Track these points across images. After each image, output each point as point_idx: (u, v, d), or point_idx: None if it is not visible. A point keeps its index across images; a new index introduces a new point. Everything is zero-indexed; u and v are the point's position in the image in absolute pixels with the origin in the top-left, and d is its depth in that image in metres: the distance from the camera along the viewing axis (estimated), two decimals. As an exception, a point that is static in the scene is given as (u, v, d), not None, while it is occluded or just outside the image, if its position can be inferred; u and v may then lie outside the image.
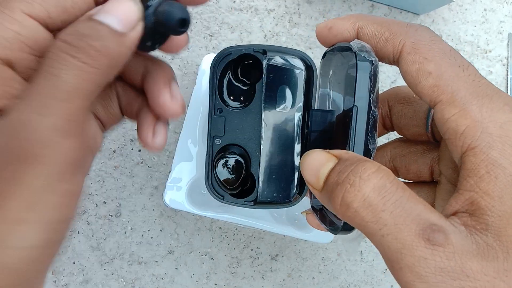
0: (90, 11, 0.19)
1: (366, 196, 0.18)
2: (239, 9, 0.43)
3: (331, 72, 0.28)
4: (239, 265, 0.43)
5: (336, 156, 0.21)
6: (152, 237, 0.41)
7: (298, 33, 0.44)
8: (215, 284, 0.42)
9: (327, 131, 0.27)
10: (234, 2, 0.43)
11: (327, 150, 0.21)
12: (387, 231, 0.18)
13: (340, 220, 0.23)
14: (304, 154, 0.22)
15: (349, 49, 0.23)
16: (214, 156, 0.28)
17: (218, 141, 0.28)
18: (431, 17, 0.46)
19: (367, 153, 0.22)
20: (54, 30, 0.20)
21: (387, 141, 0.29)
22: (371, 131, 0.22)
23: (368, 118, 0.22)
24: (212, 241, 0.42)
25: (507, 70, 0.48)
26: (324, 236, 0.38)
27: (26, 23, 0.19)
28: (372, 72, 0.22)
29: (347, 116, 0.24)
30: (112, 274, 0.41)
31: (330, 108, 0.27)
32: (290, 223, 0.39)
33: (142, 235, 0.41)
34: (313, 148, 0.22)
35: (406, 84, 0.23)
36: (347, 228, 0.22)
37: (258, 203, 0.27)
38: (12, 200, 0.17)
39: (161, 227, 0.41)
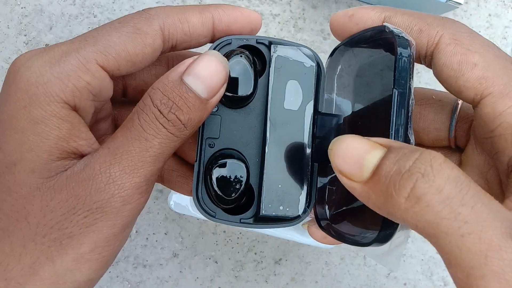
0: (180, 66, 0.20)
1: (442, 188, 0.16)
2: (244, 14, 0.43)
3: (337, 73, 0.25)
4: (242, 269, 0.43)
5: (382, 144, 0.18)
6: (156, 240, 0.42)
7: (303, 38, 0.44)
8: (219, 287, 0.43)
9: (334, 136, 0.24)
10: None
11: (366, 137, 0.19)
12: (468, 230, 0.15)
13: (372, 230, 0.20)
14: (335, 139, 0.19)
15: (373, 33, 0.21)
16: (206, 162, 0.23)
17: (212, 145, 0.23)
18: (436, 22, 0.47)
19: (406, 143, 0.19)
20: (116, 77, 0.21)
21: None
22: (410, 121, 0.20)
23: (408, 105, 0.20)
24: (216, 244, 0.42)
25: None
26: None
27: (97, 75, 0.20)
28: (411, 54, 0.20)
29: (367, 117, 0.22)
30: (117, 277, 0.41)
31: (335, 112, 0.25)
32: (294, 228, 0.39)
33: (147, 238, 0.42)
34: (321, 157, 0.20)
35: (422, 87, 0.22)
36: (382, 238, 0.19)
37: (260, 219, 0.23)
38: (83, 244, 0.19)
39: (165, 231, 0.42)
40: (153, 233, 0.42)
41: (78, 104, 0.20)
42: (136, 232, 0.41)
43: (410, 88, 0.20)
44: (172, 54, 0.24)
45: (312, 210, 0.24)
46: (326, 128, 0.24)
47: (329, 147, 0.19)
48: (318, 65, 0.24)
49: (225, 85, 0.20)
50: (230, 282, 0.43)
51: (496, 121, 0.19)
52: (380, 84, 0.22)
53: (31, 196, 0.19)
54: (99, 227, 0.19)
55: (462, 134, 0.23)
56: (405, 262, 0.45)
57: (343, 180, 0.18)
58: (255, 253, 0.43)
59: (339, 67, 0.25)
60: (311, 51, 0.23)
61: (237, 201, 0.23)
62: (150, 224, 0.42)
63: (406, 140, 0.19)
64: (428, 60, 0.21)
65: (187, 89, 0.19)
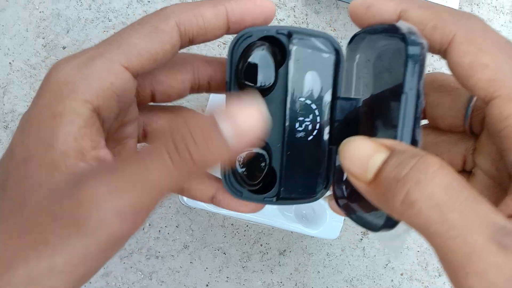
0: (215, 113, 0.18)
1: (432, 195, 0.17)
2: (251, 19, 0.45)
3: (357, 58, 0.25)
4: (249, 260, 0.45)
5: (387, 146, 0.19)
6: (168, 233, 0.44)
7: (306, 41, 0.46)
8: (227, 277, 0.45)
9: (353, 120, 0.25)
10: (246, 12, 0.45)
11: (372, 138, 0.19)
12: (455, 234, 0.16)
13: (380, 219, 0.21)
14: (345, 141, 0.20)
15: (384, 31, 0.22)
16: None
17: None
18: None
19: (414, 144, 0.20)
20: (140, 76, 0.21)
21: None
22: (418, 121, 0.20)
23: (416, 107, 0.20)
24: (225, 237, 0.45)
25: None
26: (329, 232, 0.41)
27: (120, 75, 0.20)
28: (422, 57, 0.20)
29: (383, 103, 0.23)
30: (131, 268, 0.44)
31: (354, 96, 0.26)
32: (298, 220, 0.41)
33: (159, 231, 0.44)
34: (340, 139, 0.21)
35: (442, 72, 0.22)
36: (389, 225, 0.20)
37: (281, 198, 0.25)
38: (56, 254, 0.18)
39: (177, 224, 0.44)
40: (165, 226, 0.44)
41: (102, 104, 0.20)
42: (149, 225, 0.44)
43: (419, 91, 0.20)
44: (198, 61, 0.25)
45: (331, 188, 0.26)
46: (344, 112, 0.25)
47: (339, 148, 0.20)
48: (338, 52, 0.24)
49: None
50: (237, 272, 0.45)
51: (502, 124, 0.19)
52: (397, 70, 0.22)
53: (33, 191, 0.18)
54: (72, 243, 0.17)
55: (477, 123, 0.23)
56: (402, 253, 0.47)
57: (351, 179, 0.20)
58: (261, 245, 0.45)
59: (358, 54, 0.25)
60: (330, 40, 0.24)
61: (260, 183, 0.25)
62: (162, 218, 0.44)
63: (413, 141, 0.20)
64: (442, 55, 0.21)
65: (216, 131, 0.18)
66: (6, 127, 0.43)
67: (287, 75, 0.24)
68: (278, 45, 0.24)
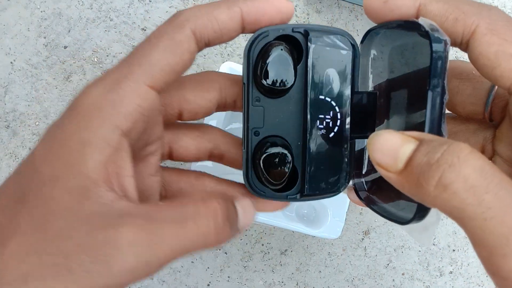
0: (237, 198, 0.22)
1: (467, 177, 0.17)
2: (252, 18, 0.45)
3: (372, 52, 0.26)
4: (250, 259, 0.45)
5: (415, 137, 0.19)
6: (169, 232, 0.44)
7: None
8: (228, 277, 0.45)
9: (372, 113, 0.25)
10: (248, 11, 0.45)
11: (400, 131, 0.20)
12: (491, 214, 0.17)
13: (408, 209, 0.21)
14: (373, 135, 0.20)
15: (404, 27, 0.21)
16: (253, 150, 0.25)
17: (257, 133, 0.25)
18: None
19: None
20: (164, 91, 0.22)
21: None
22: (443, 117, 0.20)
23: (442, 103, 0.20)
24: (226, 236, 0.45)
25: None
26: (331, 232, 0.41)
27: (147, 96, 0.20)
28: (446, 53, 0.20)
29: (402, 96, 0.23)
30: (132, 267, 0.44)
31: (371, 89, 0.26)
32: (300, 220, 0.41)
33: (161, 231, 0.44)
34: (360, 133, 0.21)
35: (463, 60, 0.22)
36: (418, 217, 0.21)
37: (305, 195, 0.25)
38: (76, 284, 0.18)
39: (178, 223, 0.44)
40: (166, 226, 0.44)
41: (130, 127, 0.20)
42: (150, 224, 0.44)
43: (444, 87, 0.20)
44: (225, 80, 0.25)
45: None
46: (363, 106, 0.25)
47: (367, 141, 0.20)
48: (354, 47, 0.24)
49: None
50: (239, 271, 0.45)
51: None
52: (416, 64, 0.22)
53: (60, 214, 0.18)
54: (95, 279, 0.18)
55: (498, 111, 0.24)
56: (403, 253, 0.47)
57: (380, 171, 0.20)
58: (262, 245, 0.45)
59: (372, 48, 0.26)
60: (347, 36, 0.24)
61: (283, 182, 0.25)
62: (163, 217, 0.44)
63: (439, 135, 0.20)
64: (463, 47, 0.21)
65: (235, 215, 0.21)
66: (8, 126, 0.43)
67: (305, 74, 0.24)
68: (294, 43, 0.24)
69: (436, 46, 0.20)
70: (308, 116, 0.24)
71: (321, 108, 0.24)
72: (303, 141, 0.25)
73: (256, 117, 0.25)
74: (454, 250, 0.47)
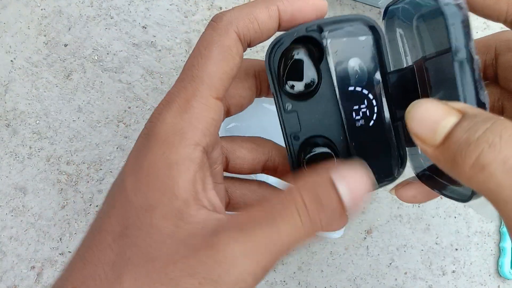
0: (329, 171, 0.20)
1: (507, 159, 0.16)
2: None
3: (397, 28, 0.25)
4: (252, 258, 0.45)
5: (458, 109, 0.18)
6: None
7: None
8: (230, 276, 0.45)
9: (410, 89, 0.24)
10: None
11: (443, 101, 0.19)
12: None
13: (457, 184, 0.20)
14: (413, 103, 0.19)
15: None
16: (297, 154, 0.25)
17: (296, 138, 0.25)
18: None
19: (481, 107, 0.19)
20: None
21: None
22: (479, 83, 0.19)
23: (472, 70, 0.19)
24: (227, 235, 0.45)
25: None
26: (333, 231, 0.41)
27: (216, 108, 0.21)
28: (463, 18, 0.19)
29: (436, 66, 0.22)
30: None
31: (406, 65, 0.25)
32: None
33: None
34: (402, 113, 0.20)
35: None
36: (475, 194, 0.20)
37: None
38: None
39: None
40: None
41: (208, 141, 0.21)
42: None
43: (470, 52, 0.19)
44: (257, 65, 0.25)
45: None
46: (399, 85, 0.24)
47: (407, 110, 0.19)
48: (374, 29, 0.24)
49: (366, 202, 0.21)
50: (240, 271, 0.45)
51: None
52: (441, 34, 0.22)
53: (163, 242, 0.19)
54: None
55: None
56: (405, 252, 0.47)
57: (417, 142, 0.19)
58: (264, 244, 0.45)
59: (396, 23, 0.25)
60: (363, 20, 0.23)
61: None
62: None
63: (479, 104, 0.19)
64: (508, 24, 0.21)
65: (335, 192, 0.19)
66: (8, 125, 0.43)
67: (329, 70, 0.23)
68: (312, 42, 0.24)
69: (448, 9, 0.19)
70: (342, 111, 0.24)
71: (353, 99, 0.24)
72: (343, 136, 0.24)
73: (292, 122, 0.25)
74: (456, 249, 0.47)
